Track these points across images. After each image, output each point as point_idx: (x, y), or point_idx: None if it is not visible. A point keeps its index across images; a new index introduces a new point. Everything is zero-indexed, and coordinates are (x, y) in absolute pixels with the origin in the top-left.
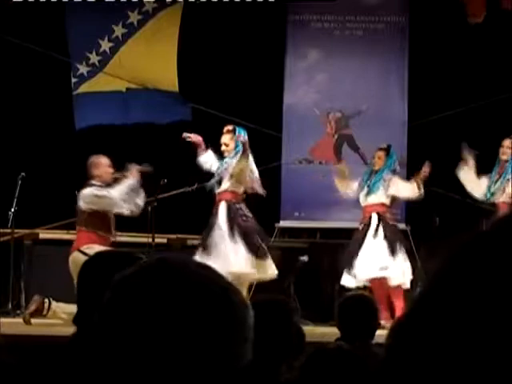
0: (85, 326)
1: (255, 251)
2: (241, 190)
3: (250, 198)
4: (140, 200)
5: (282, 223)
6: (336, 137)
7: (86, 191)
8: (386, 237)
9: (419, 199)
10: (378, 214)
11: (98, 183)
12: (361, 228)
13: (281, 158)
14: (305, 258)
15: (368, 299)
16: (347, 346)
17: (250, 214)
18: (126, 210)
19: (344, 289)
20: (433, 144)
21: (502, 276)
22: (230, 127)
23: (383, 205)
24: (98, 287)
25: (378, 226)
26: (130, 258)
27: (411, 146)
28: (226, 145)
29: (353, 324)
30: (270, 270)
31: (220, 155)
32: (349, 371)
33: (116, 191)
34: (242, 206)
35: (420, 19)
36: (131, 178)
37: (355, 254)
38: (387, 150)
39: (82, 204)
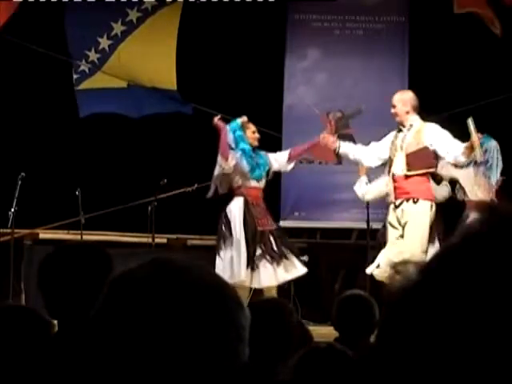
0: (63, 318)
1: None
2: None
3: None
4: None
5: (282, 223)
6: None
7: None
8: None
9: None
10: None
11: None
12: None
13: None
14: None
15: (366, 298)
16: (339, 346)
17: None
18: None
19: None
20: None
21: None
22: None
23: None
24: (62, 280)
25: None
26: (94, 251)
27: None
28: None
29: (351, 323)
30: None
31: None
32: (340, 371)
33: None
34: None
35: (420, 19)
36: None
37: None
38: None
39: None
